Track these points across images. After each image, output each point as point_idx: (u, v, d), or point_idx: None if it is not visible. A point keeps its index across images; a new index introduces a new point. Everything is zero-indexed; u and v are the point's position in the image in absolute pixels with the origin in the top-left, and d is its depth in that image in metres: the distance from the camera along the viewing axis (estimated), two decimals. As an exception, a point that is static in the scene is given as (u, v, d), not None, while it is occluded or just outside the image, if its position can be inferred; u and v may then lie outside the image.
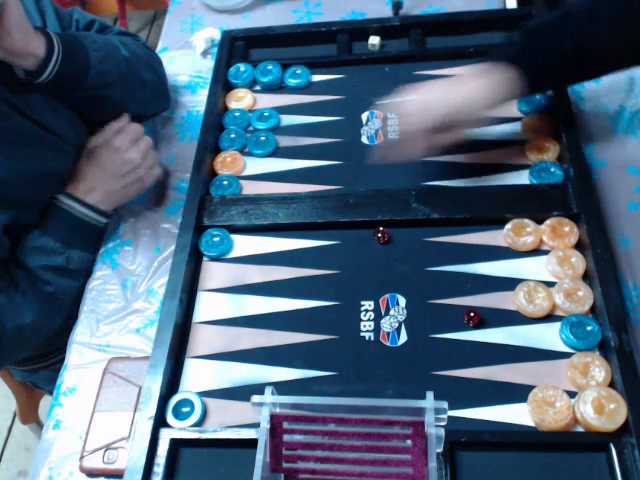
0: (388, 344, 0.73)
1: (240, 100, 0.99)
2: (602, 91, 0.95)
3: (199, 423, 0.69)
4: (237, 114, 0.97)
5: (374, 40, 1.01)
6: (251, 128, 0.96)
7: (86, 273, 0.88)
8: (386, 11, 1.09)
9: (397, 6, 1.06)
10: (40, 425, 1.31)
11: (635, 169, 0.86)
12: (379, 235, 0.80)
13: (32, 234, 0.84)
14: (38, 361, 1.04)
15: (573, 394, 0.66)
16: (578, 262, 0.75)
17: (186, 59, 1.06)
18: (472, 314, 0.73)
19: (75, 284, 0.87)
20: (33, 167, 0.82)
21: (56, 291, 0.84)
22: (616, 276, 0.74)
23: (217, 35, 1.10)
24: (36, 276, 0.82)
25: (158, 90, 0.99)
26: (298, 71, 1.00)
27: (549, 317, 0.72)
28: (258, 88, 1.01)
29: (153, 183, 0.93)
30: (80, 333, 0.83)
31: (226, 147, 0.93)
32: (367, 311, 0.76)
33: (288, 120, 0.96)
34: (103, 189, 0.87)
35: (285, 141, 0.93)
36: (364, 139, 0.92)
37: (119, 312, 0.84)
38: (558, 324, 0.71)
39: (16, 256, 0.83)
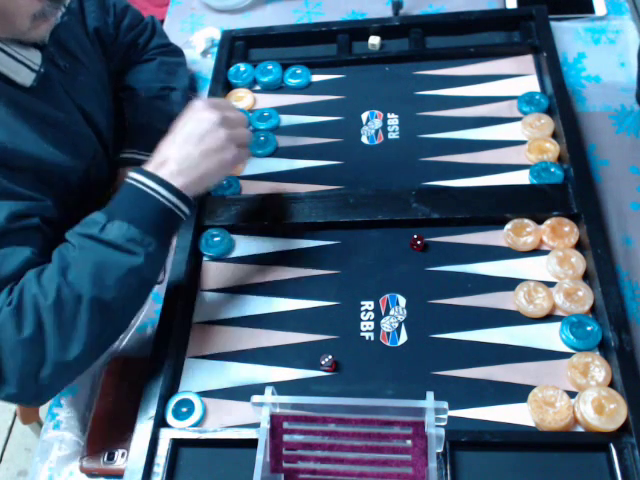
0: (388, 344, 0.73)
1: (240, 100, 0.99)
2: (602, 91, 0.95)
3: (199, 423, 0.69)
4: (237, 114, 0.97)
5: (374, 40, 1.00)
6: (251, 128, 0.96)
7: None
8: (386, 11, 1.09)
9: (397, 6, 1.06)
10: (40, 425, 1.31)
11: (637, 168, 0.86)
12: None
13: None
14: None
15: (573, 394, 0.66)
16: (578, 262, 0.75)
17: (186, 59, 1.06)
18: (418, 240, 0.78)
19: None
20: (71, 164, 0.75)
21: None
22: (616, 276, 0.74)
23: (217, 35, 1.10)
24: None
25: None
26: (298, 71, 1.00)
27: (549, 317, 0.72)
28: (258, 88, 1.01)
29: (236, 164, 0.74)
30: (80, 333, 0.82)
31: (226, 147, 0.93)
32: (367, 311, 0.76)
33: (288, 120, 0.96)
34: (178, 155, 0.68)
35: (285, 141, 0.93)
36: (364, 139, 0.92)
37: (119, 312, 0.84)
38: (558, 324, 0.71)
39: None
